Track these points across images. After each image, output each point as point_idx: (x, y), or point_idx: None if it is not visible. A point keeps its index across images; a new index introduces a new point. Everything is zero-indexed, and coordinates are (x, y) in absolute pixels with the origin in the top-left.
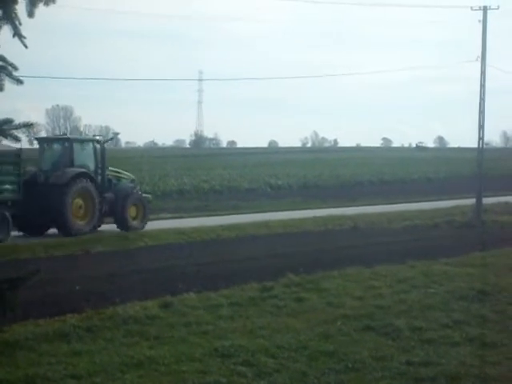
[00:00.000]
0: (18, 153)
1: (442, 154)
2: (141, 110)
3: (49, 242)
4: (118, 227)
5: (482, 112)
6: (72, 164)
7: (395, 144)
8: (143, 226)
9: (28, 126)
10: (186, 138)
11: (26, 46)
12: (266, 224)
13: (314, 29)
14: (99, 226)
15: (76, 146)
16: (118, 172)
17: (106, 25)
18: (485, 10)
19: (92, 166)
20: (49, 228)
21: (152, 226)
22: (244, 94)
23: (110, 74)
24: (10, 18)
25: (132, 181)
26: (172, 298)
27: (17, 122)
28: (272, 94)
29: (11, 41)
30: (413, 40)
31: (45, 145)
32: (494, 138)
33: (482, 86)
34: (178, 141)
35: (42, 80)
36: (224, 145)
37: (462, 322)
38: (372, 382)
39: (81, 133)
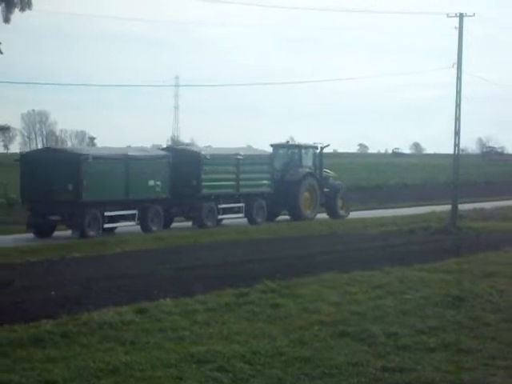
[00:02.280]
0: (271, 156)
1: (419, 160)
2: (117, 114)
3: (24, 248)
4: (329, 216)
5: (457, 118)
6: (301, 165)
7: (372, 150)
8: (347, 215)
9: (4, 129)
10: (163, 142)
11: (1, 52)
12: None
13: (292, 34)
14: (314, 215)
15: (303, 151)
16: (327, 172)
17: (83, 30)
18: (461, 16)
19: (313, 167)
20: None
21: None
22: (220, 99)
23: (86, 79)
24: None
25: (335, 178)
26: (148, 304)
27: None
28: (248, 99)
29: None
30: (388, 46)
31: (279, 150)
32: (469, 144)
33: (458, 92)
34: (154, 146)
35: (18, 85)
36: None
37: (438, 328)
38: None
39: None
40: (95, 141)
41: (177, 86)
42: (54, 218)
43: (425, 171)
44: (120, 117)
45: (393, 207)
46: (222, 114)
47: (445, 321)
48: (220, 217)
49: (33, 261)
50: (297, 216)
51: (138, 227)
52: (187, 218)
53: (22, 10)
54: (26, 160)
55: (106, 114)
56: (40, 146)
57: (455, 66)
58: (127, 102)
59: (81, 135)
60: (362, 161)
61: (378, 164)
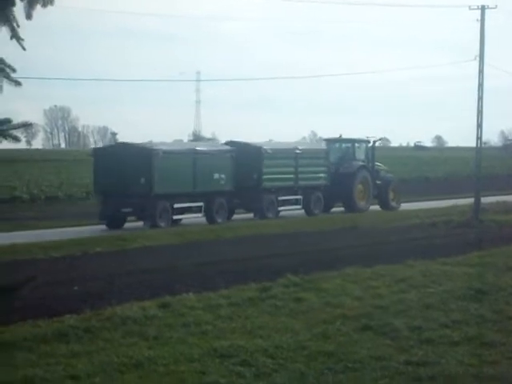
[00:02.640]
0: (327, 150)
1: (440, 154)
2: (138, 110)
3: (47, 244)
4: (381, 207)
5: (480, 111)
6: (354, 158)
7: (394, 143)
8: (399, 207)
9: (26, 125)
10: (184, 137)
11: (24, 49)
12: None
13: (311, 28)
14: (368, 207)
15: (356, 145)
16: (379, 165)
17: (103, 25)
18: (483, 9)
19: (366, 160)
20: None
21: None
22: (241, 93)
23: (107, 75)
24: (7, 20)
25: (387, 171)
26: (170, 299)
27: (15, 122)
28: (270, 93)
29: (8, 41)
30: (411, 39)
31: (332, 144)
32: (492, 137)
33: (480, 85)
34: (176, 141)
35: (40, 81)
36: None
37: (461, 322)
38: (371, 381)
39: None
40: (117, 136)
41: (198, 80)
42: (125, 210)
43: (447, 164)
44: (140, 112)
45: (415, 201)
46: (241, 108)
47: (468, 314)
48: (280, 208)
49: (55, 256)
50: (351, 207)
51: (203, 219)
52: (248, 210)
53: (44, 5)
54: (99, 154)
55: (126, 109)
56: (62, 142)
57: (477, 58)
58: (147, 97)
59: (103, 131)
60: (383, 154)
61: (401, 157)
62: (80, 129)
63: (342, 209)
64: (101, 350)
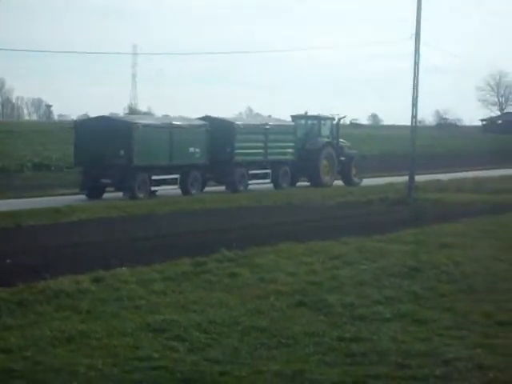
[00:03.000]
0: (295, 127)
1: (376, 132)
2: (74, 83)
3: None
4: (344, 182)
5: (415, 90)
6: (320, 135)
7: None
8: (360, 182)
9: None
10: (120, 111)
11: None
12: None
13: (250, 2)
14: (332, 181)
15: (321, 122)
16: (343, 142)
17: None
18: None
19: (331, 137)
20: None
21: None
22: (178, 68)
23: (43, 46)
24: None
25: (350, 148)
26: (104, 273)
27: None
28: (208, 68)
29: None
30: (349, 16)
31: (298, 121)
32: (427, 116)
33: (416, 63)
34: (111, 114)
35: None
36: None
37: (394, 299)
38: (304, 357)
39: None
40: (52, 108)
41: (134, 54)
42: (105, 181)
43: (382, 143)
44: (76, 85)
45: None
46: (179, 81)
47: (401, 291)
48: (249, 182)
49: None
50: (316, 182)
51: (178, 191)
52: (220, 183)
53: None
54: (80, 127)
55: (62, 82)
56: None
57: (413, 37)
58: (84, 70)
59: (37, 103)
60: None
61: None
62: (14, 100)
63: (307, 183)
64: (33, 323)
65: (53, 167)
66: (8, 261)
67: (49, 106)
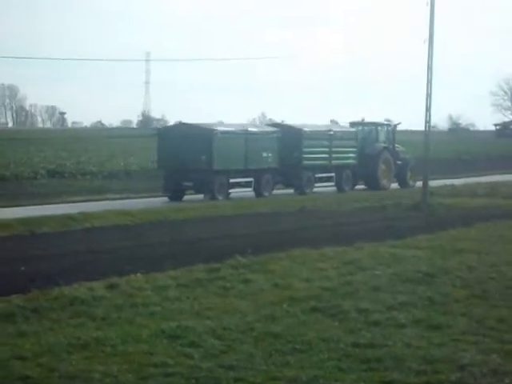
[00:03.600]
0: (356, 133)
1: None
2: (87, 90)
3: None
4: (400, 185)
5: (428, 95)
6: (377, 141)
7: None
8: (415, 185)
9: None
10: (133, 118)
11: None
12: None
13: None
14: (389, 185)
15: (379, 128)
16: (398, 147)
17: (52, 2)
18: None
19: (387, 142)
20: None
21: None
22: (192, 75)
23: (56, 54)
24: None
25: (404, 153)
26: (119, 279)
27: None
28: (220, 75)
29: None
30: (363, 23)
31: (357, 127)
32: (440, 121)
33: (430, 68)
34: (124, 121)
35: None
36: None
37: (408, 304)
38: (319, 363)
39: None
40: (65, 116)
41: (147, 60)
42: (187, 184)
43: None
44: (89, 92)
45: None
46: (193, 88)
47: (415, 297)
48: (315, 185)
49: (2, 235)
50: (375, 186)
51: (252, 193)
52: (289, 186)
53: None
54: (163, 133)
55: (75, 89)
56: (10, 120)
57: (426, 42)
58: (97, 77)
59: (51, 110)
60: None
61: None
62: (28, 108)
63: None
64: (48, 330)
65: (66, 174)
66: (23, 268)
67: (62, 114)
